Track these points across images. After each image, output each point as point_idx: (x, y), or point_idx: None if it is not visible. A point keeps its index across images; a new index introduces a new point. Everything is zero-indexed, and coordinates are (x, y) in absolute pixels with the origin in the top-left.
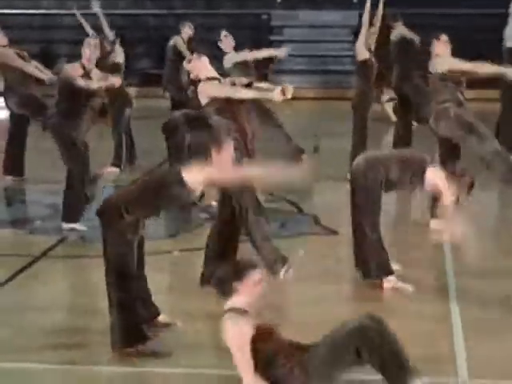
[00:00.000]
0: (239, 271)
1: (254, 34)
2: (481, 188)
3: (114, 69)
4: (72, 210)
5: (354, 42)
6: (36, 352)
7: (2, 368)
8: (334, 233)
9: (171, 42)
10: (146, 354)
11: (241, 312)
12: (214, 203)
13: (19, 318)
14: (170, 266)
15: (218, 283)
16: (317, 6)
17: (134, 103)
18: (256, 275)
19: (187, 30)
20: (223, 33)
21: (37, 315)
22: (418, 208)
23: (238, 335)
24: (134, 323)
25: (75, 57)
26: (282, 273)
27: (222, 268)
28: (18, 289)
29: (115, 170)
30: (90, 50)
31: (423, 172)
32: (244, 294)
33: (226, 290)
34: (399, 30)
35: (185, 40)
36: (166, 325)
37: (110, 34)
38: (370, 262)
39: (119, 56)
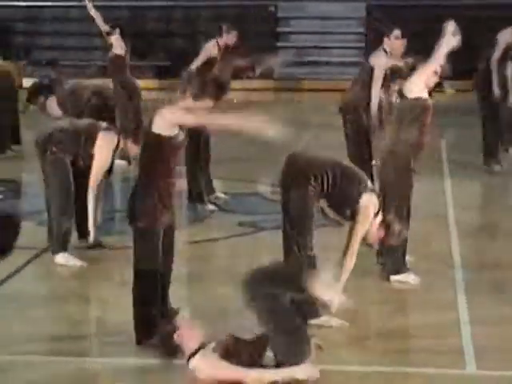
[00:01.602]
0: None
1: (261, 25)
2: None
3: (116, 61)
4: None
5: (360, 33)
6: (42, 343)
7: (5, 360)
8: (340, 224)
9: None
10: (155, 346)
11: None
12: (221, 194)
13: (25, 310)
14: (177, 258)
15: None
16: None
17: (143, 95)
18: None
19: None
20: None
21: (42, 306)
22: None
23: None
24: (149, 317)
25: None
26: None
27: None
28: (24, 280)
29: (123, 162)
30: None
31: (359, 194)
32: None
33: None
34: None
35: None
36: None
37: (104, 27)
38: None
39: (118, 48)
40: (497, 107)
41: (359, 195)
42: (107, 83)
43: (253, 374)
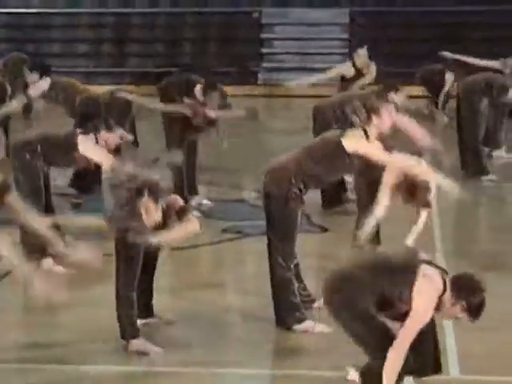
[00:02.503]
0: None
1: (245, 31)
2: None
3: None
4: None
5: (344, 39)
6: (28, 350)
7: None
8: (325, 230)
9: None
10: (137, 351)
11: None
12: (206, 201)
13: (10, 316)
14: (160, 264)
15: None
16: (307, 3)
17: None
18: None
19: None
20: None
21: (28, 312)
22: None
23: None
24: (132, 320)
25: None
26: None
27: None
28: (11, 287)
29: None
30: None
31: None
32: None
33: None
34: None
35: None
36: (157, 323)
37: None
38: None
39: None
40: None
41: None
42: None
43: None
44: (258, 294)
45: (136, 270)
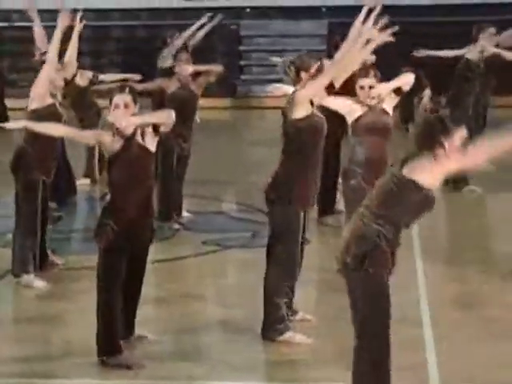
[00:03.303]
0: None
1: (224, 44)
2: None
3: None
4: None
5: (323, 50)
6: (8, 364)
7: None
8: (307, 242)
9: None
10: (119, 366)
11: None
12: (186, 213)
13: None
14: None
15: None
16: (286, 15)
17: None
18: None
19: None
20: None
21: (9, 327)
22: None
23: None
24: (110, 334)
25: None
26: None
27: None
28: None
29: (87, 181)
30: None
31: None
32: None
33: None
34: None
35: None
36: (140, 338)
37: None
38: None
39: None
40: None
41: None
42: None
43: None
44: (240, 306)
45: (116, 280)
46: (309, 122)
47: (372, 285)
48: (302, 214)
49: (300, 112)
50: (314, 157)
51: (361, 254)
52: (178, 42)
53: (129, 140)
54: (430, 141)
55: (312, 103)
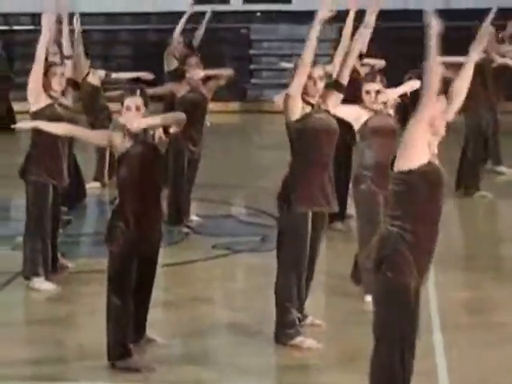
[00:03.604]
0: None
1: (234, 48)
2: None
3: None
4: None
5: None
6: (18, 367)
7: None
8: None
9: None
10: (129, 370)
11: None
12: (195, 217)
13: (1, 333)
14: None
15: None
16: (295, 19)
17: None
18: None
19: None
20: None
21: (19, 330)
22: None
23: None
24: (119, 338)
25: None
26: None
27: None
28: (0, 304)
29: (97, 185)
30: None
31: None
32: None
33: None
34: None
35: None
36: (149, 341)
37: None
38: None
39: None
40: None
41: None
42: None
43: None
44: (249, 310)
45: (126, 283)
46: (306, 122)
47: (390, 290)
48: (312, 217)
49: (295, 113)
50: (317, 157)
51: (379, 258)
52: (175, 43)
53: (139, 140)
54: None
55: (310, 104)
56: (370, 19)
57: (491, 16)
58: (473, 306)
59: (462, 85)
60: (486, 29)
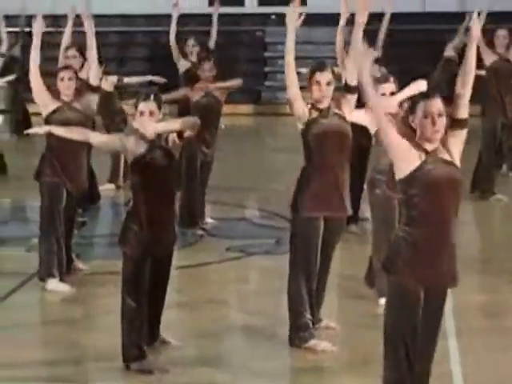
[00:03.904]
0: None
1: (249, 50)
2: None
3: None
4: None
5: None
6: (33, 368)
7: None
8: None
9: None
10: (143, 371)
11: None
12: (210, 220)
13: (16, 335)
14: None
15: None
16: (312, 22)
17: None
18: None
19: None
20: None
21: (34, 331)
22: None
23: None
24: (134, 340)
25: None
26: None
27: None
28: (15, 306)
29: (112, 186)
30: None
31: None
32: None
33: None
34: None
35: None
36: (164, 343)
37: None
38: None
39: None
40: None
41: None
42: None
43: None
44: (263, 312)
45: (140, 285)
46: (311, 128)
47: (392, 293)
48: (326, 221)
49: (300, 118)
50: (324, 162)
51: (384, 261)
52: (173, 45)
53: (153, 145)
54: None
55: (318, 109)
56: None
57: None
58: (489, 310)
59: (466, 77)
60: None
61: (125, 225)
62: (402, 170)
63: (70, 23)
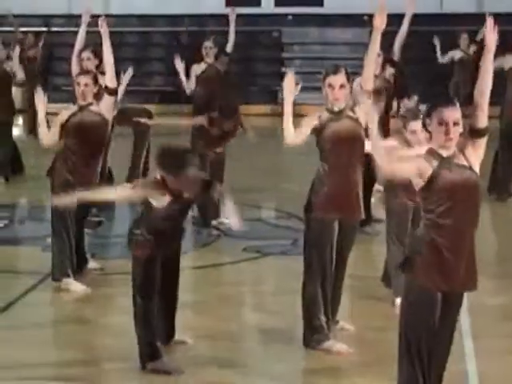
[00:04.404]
0: None
1: (266, 51)
2: None
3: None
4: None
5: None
6: (47, 368)
7: None
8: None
9: None
10: (158, 372)
11: None
12: (226, 220)
13: (31, 334)
14: (182, 283)
15: None
16: (328, 23)
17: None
18: None
19: None
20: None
21: (49, 331)
22: None
23: None
24: (149, 339)
25: None
26: None
27: None
28: (30, 305)
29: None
30: None
31: None
32: None
33: None
34: None
35: None
36: (179, 342)
37: None
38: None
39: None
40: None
41: None
42: None
43: None
44: (279, 313)
45: (151, 286)
46: (322, 131)
47: (409, 292)
48: (341, 223)
49: (307, 124)
50: (335, 164)
51: (402, 260)
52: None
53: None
54: None
55: (332, 111)
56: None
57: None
58: (505, 312)
59: (484, 88)
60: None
61: (131, 226)
62: (417, 184)
63: (84, 24)
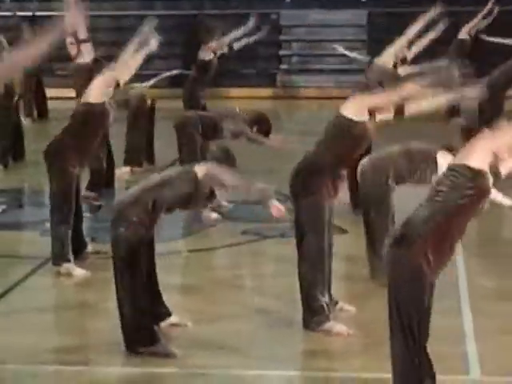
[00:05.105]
0: None
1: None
2: None
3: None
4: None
5: (362, 40)
6: (47, 353)
7: (13, 371)
8: (344, 232)
9: None
10: (155, 355)
11: None
12: (225, 203)
13: (30, 319)
14: (180, 267)
15: None
16: (326, 5)
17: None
18: None
19: None
20: None
21: (48, 316)
22: None
23: None
24: (144, 324)
25: None
26: None
27: None
28: (29, 290)
29: (127, 169)
30: None
31: (434, 160)
32: None
33: None
34: None
35: None
36: (176, 325)
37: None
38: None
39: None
40: None
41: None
42: None
43: None
44: (278, 295)
45: (137, 272)
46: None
47: (404, 269)
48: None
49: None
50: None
51: (400, 235)
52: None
53: None
54: None
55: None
56: None
57: None
58: (503, 293)
59: None
60: None
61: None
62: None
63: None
